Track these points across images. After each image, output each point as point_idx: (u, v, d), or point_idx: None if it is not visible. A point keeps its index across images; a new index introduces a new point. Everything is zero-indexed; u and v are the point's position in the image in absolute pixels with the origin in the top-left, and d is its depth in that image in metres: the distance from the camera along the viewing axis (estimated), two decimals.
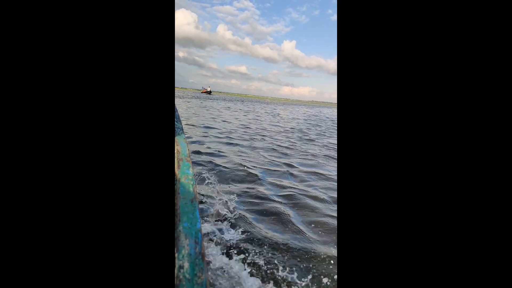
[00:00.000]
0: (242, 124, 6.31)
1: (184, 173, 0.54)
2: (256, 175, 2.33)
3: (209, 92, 50.74)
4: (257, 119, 8.24)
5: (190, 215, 0.44)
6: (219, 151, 3.09)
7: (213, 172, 2.24)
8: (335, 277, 1.07)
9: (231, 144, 3.68)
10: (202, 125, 5.28)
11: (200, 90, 65.34)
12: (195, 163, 2.45)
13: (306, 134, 5.87)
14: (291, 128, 6.67)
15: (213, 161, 2.64)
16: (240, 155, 3.05)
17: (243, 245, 1.24)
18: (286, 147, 3.90)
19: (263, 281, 1.01)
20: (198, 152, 2.93)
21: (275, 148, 3.72)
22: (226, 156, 2.91)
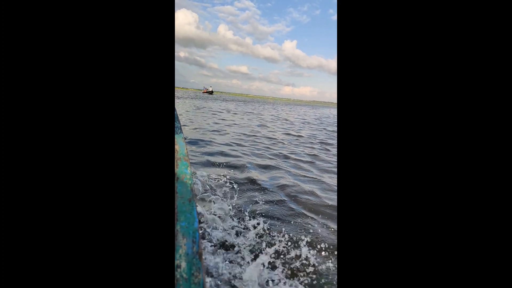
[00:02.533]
0: (246, 135, 4.79)
1: (182, 172, 0.53)
2: None
3: (211, 92, 48.81)
4: (264, 126, 6.71)
5: (187, 215, 0.43)
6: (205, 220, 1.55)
7: None
8: None
9: (231, 187, 2.15)
10: (191, 140, 3.77)
11: (201, 90, 63.83)
12: None
13: (331, 146, 4.35)
14: (309, 137, 5.15)
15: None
16: (253, 223, 1.53)
17: None
18: (318, 180, 2.38)
19: None
20: None
21: (306, 188, 2.20)
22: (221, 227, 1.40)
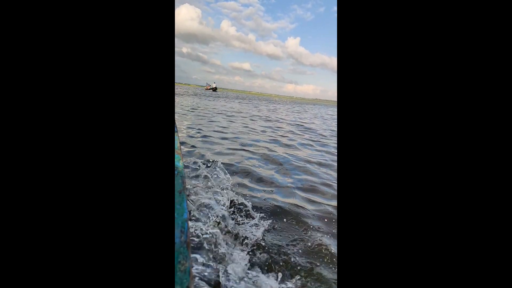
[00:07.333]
0: (260, 207, 2.25)
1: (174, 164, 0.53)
2: None
3: (215, 89, 44.68)
4: (286, 154, 4.17)
5: (177, 206, 0.44)
6: None
7: None
8: None
9: None
10: None
11: (204, 86, 60.80)
12: None
13: None
14: None
15: None
16: None
17: None
18: None
19: None
20: None
21: None
22: None
